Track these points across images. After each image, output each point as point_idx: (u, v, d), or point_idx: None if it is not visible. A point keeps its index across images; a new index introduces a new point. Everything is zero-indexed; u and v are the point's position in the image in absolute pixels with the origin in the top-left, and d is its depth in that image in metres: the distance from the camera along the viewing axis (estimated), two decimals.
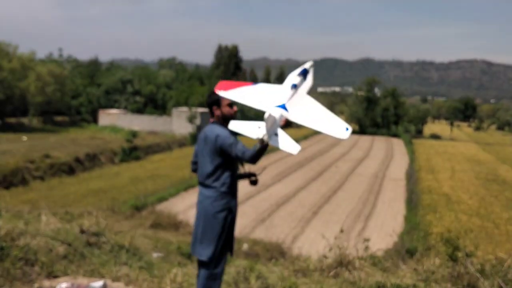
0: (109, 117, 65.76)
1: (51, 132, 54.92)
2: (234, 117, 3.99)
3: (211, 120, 4.11)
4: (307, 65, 4.30)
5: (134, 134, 48.65)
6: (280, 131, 3.57)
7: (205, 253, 3.95)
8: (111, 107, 70.60)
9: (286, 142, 3.54)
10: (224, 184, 3.96)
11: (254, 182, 4.17)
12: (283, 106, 3.70)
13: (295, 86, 3.99)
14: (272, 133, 3.50)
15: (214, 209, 3.93)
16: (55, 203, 25.96)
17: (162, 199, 31.06)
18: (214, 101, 4.04)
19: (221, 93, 3.94)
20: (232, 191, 4.02)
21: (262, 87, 4.07)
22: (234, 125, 3.74)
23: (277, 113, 3.57)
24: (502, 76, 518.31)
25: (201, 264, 4.05)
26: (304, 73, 4.19)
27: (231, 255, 4.20)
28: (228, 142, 3.78)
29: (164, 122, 64.14)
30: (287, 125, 3.67)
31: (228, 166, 3.94)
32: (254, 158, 3.62)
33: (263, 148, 3.53)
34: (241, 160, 3.76)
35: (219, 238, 3.94)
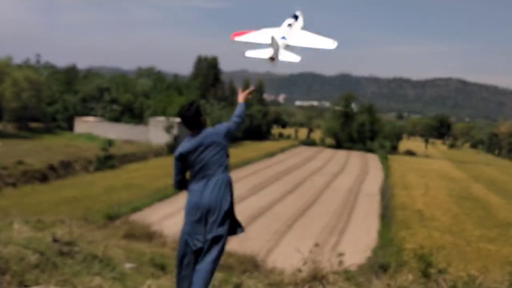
0: (85, 124, 65.09)
1: (25, 139, 54.12)
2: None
3: (192, 133, 4.49)
4: (297, 12, 6.16)
5: (110, 142, 48.21)
6: (282, 50, 5.54)
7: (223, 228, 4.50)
8: (88, 115, 69.92)
9: (287, 55, 5.55)
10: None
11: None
12: (283, 37, 5.67)
13: (290, 25, 5.91)
14: (277, 52, 5.44)
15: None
16: (27, 211, 25.44)
17: (136, 209, 30.81)
18: (200, 111, 4.52)
19: (237, 38, 5.85)
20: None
21: (266, 30, 5.94)
22: (250, 53, 5.57)
23: (280, 40, 5.50)
24: (477, 95, 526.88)
25: (215, 242, 4.42)
26: (296, 17, 6.09)
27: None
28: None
29: (141, 131, 63.73)
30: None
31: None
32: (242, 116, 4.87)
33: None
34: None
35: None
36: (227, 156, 4.56)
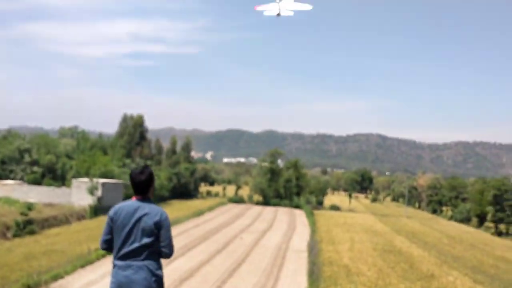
0: (4, 188, 62.27)
1: None
2: None
3: (137, 198, 4.36)
4: None
5: (29, 206, 46.31)
6: (290, 2, 13.48)
7: None
8: (7, 178, 67.19)
9: (295, 5, 11.85)
10: None
11: None
12: None
13: None
14: (285, 6, 12.11)
15: None
16: None
17: (57, 277, 29.40)
18: (153, 177, 4.42)
19: (260, 7, 9.13)
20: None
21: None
22: (263, 7, 8.55)
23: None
24: (396, 149, 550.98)
25: None
26: None
27: None
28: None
29: (63, 194, 61.62)
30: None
31: None
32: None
33: None
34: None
35: None
36: (159, 241, 4.57)
